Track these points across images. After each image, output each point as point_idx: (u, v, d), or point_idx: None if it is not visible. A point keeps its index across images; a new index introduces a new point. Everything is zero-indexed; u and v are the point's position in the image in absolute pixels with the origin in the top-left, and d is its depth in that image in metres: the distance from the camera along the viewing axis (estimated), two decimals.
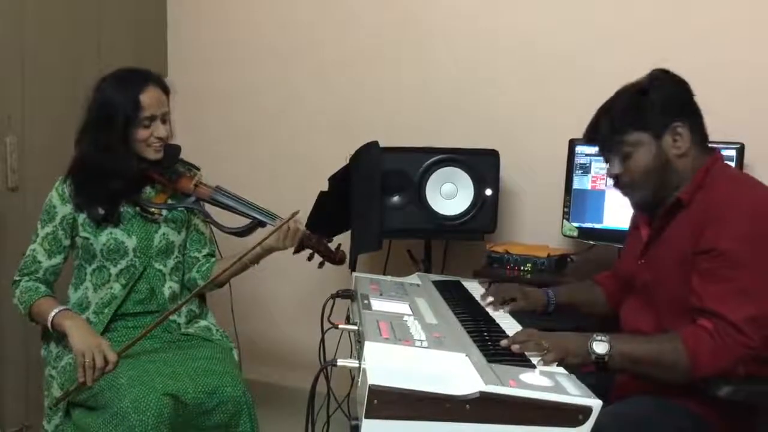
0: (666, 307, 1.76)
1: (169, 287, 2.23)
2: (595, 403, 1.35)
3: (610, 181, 1.87)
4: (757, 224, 1.63)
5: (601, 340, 1.62)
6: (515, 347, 1.61)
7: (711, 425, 1.68)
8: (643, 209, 1.88)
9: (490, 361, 1.50)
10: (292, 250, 2.28)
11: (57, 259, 2.17)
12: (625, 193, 1.84)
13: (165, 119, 2.17)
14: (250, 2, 3.34)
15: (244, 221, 2.25)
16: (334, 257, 2.29)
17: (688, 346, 1.59)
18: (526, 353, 1.60)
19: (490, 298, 2.09)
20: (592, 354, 1.61)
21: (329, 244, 2.30)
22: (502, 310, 2.05)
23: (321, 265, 2.31)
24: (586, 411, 1.34)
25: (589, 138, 1.84)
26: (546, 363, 1.56)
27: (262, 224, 2.23)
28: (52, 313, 2.06)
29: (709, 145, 1.80)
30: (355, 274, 2.26)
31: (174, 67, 3.47)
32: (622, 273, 2.01)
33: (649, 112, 1.74)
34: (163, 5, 3.46)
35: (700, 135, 1.77)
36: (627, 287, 1.96)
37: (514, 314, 2.02)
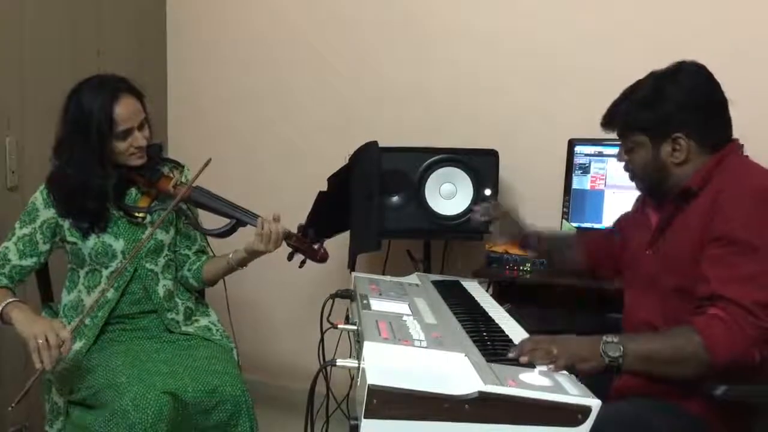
0: (672, 295, 1.73)
1: (163, 285, 2.23)
2: (595, 403, 1.35)
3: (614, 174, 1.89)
4: (761, 210, 1.62)
5: (612, 342, 1.56)
6: (523, 359, 1.52)
7: (708, 426, 1.67)
8: (648, 197, 1.90)
9: (489, 361, 1.50)
10: (286, 255, 2.27)
11: (28, 262, 2.10)
12: (631, 179, 1.87)
13: (142, 126, 2.13)
14: (249, 2, 3.34)
15: (225, 221, 2.22)
16: (315, 255, 2.25)
17: (704, 336, 1.55)
18: (536, 363, 1.52)
19: (479, 210, 2.32)
20: (605, 357, 1.55)
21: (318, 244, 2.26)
22: (502, 309, 2.04)
23: (302, 264, 2.28)
24: (585, 411, 1.34)
25: (604, 123, 1.84)
26: (556, 370, 1.50)
27: (243, 224, 2.20)
28: (2, 305, 1.97)
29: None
30: (354, 274, 2.25)
31: (174, 67, 3.47)
32: (620, 250, 2.00)
33: (655, 117, 1.73)
34: (163, 5, 3.46)
35: (710, 139, 1.74)
36: (626, 274, 1.96)
37: (513, 313, 2.02)
